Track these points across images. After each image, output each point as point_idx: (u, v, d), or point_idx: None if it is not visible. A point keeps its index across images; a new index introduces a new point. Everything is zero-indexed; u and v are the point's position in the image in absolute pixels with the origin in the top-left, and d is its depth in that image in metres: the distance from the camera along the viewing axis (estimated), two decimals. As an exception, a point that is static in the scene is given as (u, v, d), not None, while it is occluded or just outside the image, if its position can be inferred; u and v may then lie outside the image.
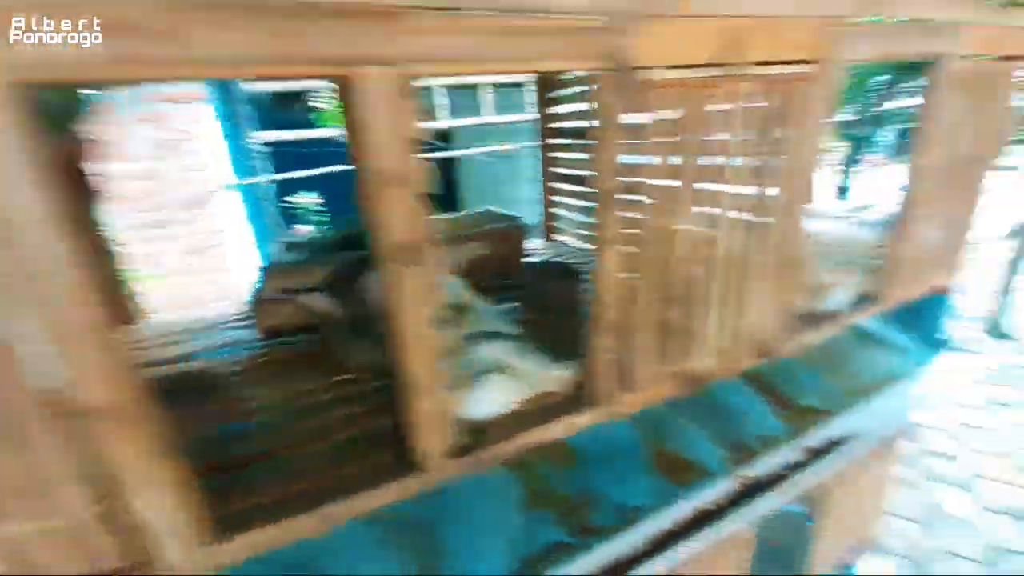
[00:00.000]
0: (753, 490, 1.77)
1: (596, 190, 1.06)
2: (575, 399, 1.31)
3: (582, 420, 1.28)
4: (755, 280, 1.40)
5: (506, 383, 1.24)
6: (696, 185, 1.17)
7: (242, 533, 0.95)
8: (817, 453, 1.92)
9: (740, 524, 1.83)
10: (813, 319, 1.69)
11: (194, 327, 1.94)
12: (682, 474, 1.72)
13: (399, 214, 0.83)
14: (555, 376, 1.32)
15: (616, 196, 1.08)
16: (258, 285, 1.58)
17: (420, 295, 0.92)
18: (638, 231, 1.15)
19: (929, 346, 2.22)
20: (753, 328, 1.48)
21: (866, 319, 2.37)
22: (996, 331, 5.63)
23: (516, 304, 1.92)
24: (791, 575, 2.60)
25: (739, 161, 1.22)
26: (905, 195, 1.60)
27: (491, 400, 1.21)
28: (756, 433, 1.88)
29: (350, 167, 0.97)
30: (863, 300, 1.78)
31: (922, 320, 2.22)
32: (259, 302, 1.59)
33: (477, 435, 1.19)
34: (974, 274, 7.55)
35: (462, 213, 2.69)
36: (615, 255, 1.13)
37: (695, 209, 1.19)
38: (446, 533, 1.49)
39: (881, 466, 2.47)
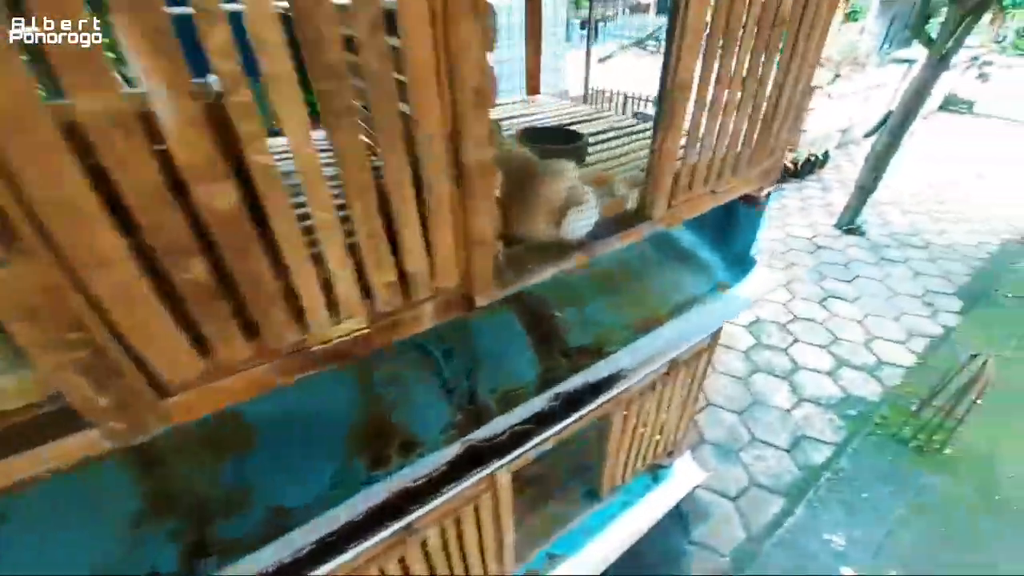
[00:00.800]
0: (491, 452, 1.45)
1: None
2: (62, 418, 0.77)
3: (69, 449, 0.76)
4: (404, 206, 0.86)
5: None
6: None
7: None
8: (584, 395, 1.63)
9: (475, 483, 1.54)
10: (555, 249, 1.22)
11: None
12: (385, 451, 1.33)
13: None
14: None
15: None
16: None
17: None
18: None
19: (733, 264, 1.92)
20: (424, 271, 0.98)
21: (663, 236, 2.00)
22: (850, 227, 5.89)
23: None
24: (591, 487, 2.59)
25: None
26: (665, 82, 1.07)
27: None
28: (504, 385, 1.52)
29: None
30: (629, 218, 1.33)
31: (728, 235, 1.88)
32: None
33: None
34: (843, 166, 7.83)
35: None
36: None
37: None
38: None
39: (686, 379, 2.34)
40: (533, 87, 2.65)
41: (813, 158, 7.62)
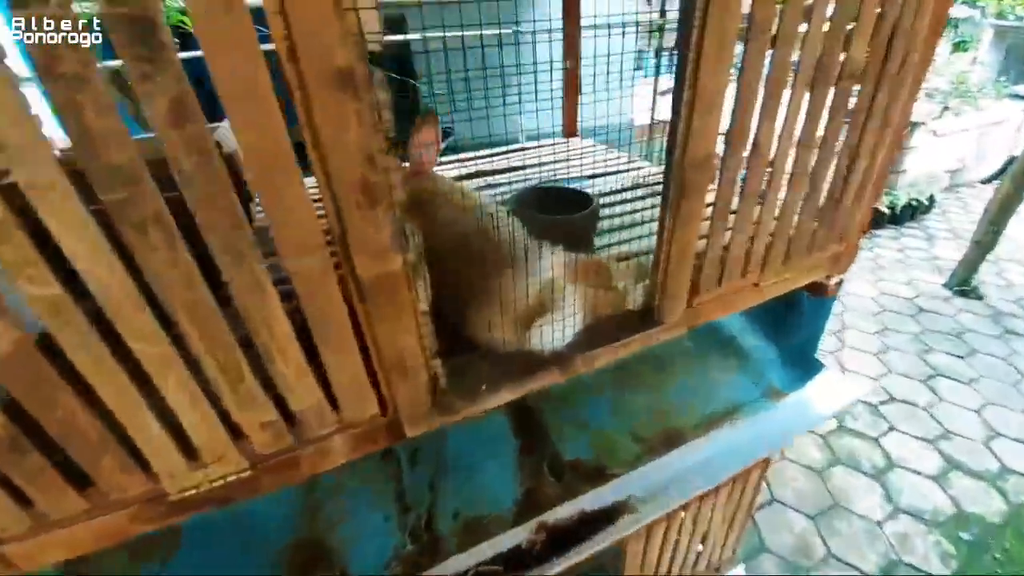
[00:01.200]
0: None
1: None
2: None
3: None
4: (269, 335, 0.64)
5: None
6: None
7: None
8: (580, 527, 1.29)
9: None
10: (520, 363, 0.94)
11: None
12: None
13: None
14: None
15: None
16: None
17: None
18: None
19: (791, 364, 1.50)
20: (317, 406, 0.75)
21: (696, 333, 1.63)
22: (963, 288, 4.92)
23: None
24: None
25: None
26: (671, 158, 0.78)
27: None
28: (473, 508, 1.23)
29: None
30: (632, 322, 1.02)
31: (785, 324, 1.48)
32: None
33: None
34: (953, 214, 6.71)
35: None
36: None
37: None
38: None
39: (733, 494, 1.88)
40: (570, 130, 2.45)
41: (915, 203, 6.61)
